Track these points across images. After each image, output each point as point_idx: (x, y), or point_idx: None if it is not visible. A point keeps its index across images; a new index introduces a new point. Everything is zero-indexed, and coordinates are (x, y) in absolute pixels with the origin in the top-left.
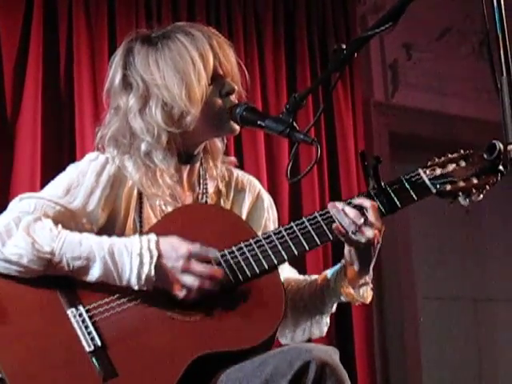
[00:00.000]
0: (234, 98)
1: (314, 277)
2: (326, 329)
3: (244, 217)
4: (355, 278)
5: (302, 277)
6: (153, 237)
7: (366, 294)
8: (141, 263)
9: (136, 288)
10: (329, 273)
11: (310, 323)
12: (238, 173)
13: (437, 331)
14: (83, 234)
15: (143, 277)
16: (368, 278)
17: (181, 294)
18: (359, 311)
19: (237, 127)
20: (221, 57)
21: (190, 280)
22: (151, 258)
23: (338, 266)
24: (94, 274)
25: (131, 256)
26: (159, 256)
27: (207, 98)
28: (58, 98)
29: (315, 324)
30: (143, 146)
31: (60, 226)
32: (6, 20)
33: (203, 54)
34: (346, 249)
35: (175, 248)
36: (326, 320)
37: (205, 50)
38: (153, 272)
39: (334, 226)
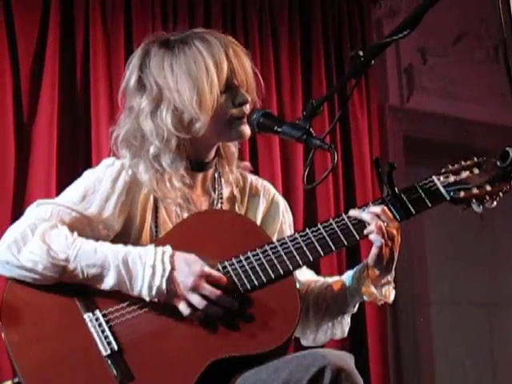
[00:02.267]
0: (247, 108)
1: (335, 278)
2: (347, 329)
3: (258, 222)
4: (378, 277)
5: (322, 278)
6: (168, 249)
7: (388, 292)
8: (153, 275)
9: (147, 299)
10: (351, 274)
11: (332, 324)
12: (251, 178)
13: (450, 336)
14: (98, 242)
15: (154, 289)
16: (390, 278)
17: (185, 312)
18: (373, 316)
19: (247, 132)
20: (236, 66)
21: (196, 300)
22: (164, 270)
23: (359, 267)
24: (108, 283)
25: (144, 267)
26: (172, 269)
27: (218, 107)
28: (75, 101)
29: (337, 324)
30: (152, 149)
31: (76, 233)
32: (23, 23)
33: (218, 62)
34: (372, 254)
35: (189, 264)
36: (348, 320)
37: (220, 58)
38: (164, 285)
39: (366, 230)
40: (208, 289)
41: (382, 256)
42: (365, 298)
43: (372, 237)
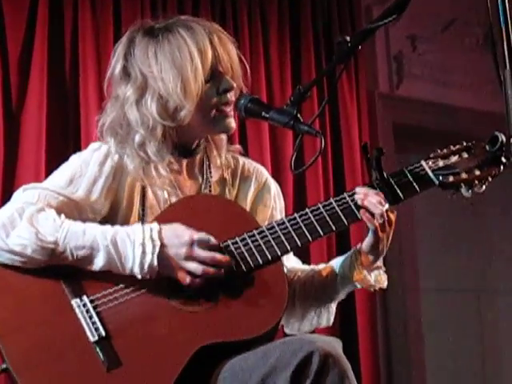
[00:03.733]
0: (231, 95)
1: (322, 266)
2: (333, 318)
3: (249, 203)
4: (371, 263)
5: (307, 266)
6: (155, 226)
7: (380, 277)
8: (143, 253)
9: (139, 277)
10: (340, 261)
11: (320, 311)
12: (244, 161)
13: (440, 323)
14: (86, 224)
15: (146, 266)
16: (379, 262)
17: (186, 280)
18: (363, 303)
19: (232, 125)
20: (221, 53)
21: (193, 266)
22: (154, 247)
23: (350, 253)
24: (98, 264)
25: (134, 245)
26: (162, 245)
27: (203, 94)
28: (63, 89)
29: (324, 312)
30: (137, 138)
31: (63, 215)
32: (11, 10)
33: (202, 49)
34: (368, 240)
35: (178, 235)
36: (334, 308)
37: (204, 45)
38: (155, 262)
39: (361, 211)
40: (202, 254)
41: (379, 242)
42: (357, 284)
43: (370, 224)
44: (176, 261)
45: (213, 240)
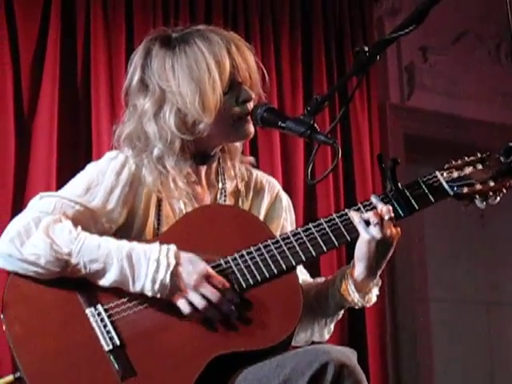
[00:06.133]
0: (250, 105)
1: (323, 278)
2: (327, 336)
3: (262, 217)
4: (363, 281)
5: (312, 280)
6: (173, 246)
7: (368, 297)
8: (157, 268)
9: (149, 294)
10: (337, 275)
11: (314, 326)
12: (257, 173)
13: (449, 334)
14: (102, 238)
15: (157, 282)
16: (375, 282)
17: (185, 310)
18: (372, 314)
19: (251, 130)
20: (239, 63)
21: (197, 300)
22: (168, 264)
23: (344, 268)
24: (110, 278)
25: (148, 262)
26: (177, 264)
27: (222, 106)
28: (75, 97)
29: (318, 328)
30: (155, 151)
31: (79, 227)
32: (23, 18)
33: (220, 61)
34: (362, 244)
35: (193, 262)
36: (330, 326)
37: (222, 56)
38: (168, 279)
39: (357, 224)
40: (210, 289)
41: (370, 252)
42: (344, 302)
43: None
44: (183, 286)
45: (225, 283)
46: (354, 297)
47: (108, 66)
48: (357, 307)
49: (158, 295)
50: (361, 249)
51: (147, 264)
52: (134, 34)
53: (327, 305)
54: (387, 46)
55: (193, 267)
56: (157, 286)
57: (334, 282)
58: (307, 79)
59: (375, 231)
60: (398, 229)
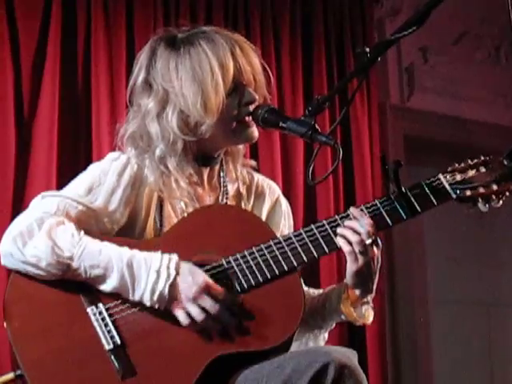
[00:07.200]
0: (253, 107)
1: (318, 291)
2: (322, 343)
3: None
4: (358, 298)
5: (306, 289)
6: (175, 256)
7: (367, 313)
8: (157, 279)
9: (148, 304)
10: (332, 291)
11: (308, 336)
12: (258, 177)
13: (449, 335)
14: (104, 243)
15: (156, 293)
16: (369, 298)
17: (184, 322)
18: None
19: (255, 135)
20: (243, 64)
21: (196, 312)
22: (168, 276)
23: (340, 285)
24: (110, 285)
25: (149, 272)
26: (176, 275)
27: (224, 108)
28: (75, 98)
29: (313, 338)
30: (158, 151)
31: (82, 232)
32: (24, 20)
33: (224, 63)
34: (349, 270)
35: (193, 273)
36: (325, 335)
37: (226, 58)
38: (167, 290)
39: (338, 237)
40: (209, 302)
41: (360, 272)
42: (343, 317)
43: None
44: (182, 298)
45: (225, 294)
46: (355, 316)
47: (108, 65)
48: (358, 324)
49: (157, 306)
50: (352, 276)
51: (147, 274)
52: (135, 34)
53: (324, 321)
54: (388, 47)
55: (192, 278)
56: (155, 297)
57: (331, 304)
58: (307, 79)
59: (361, 259)
60: (379, 242)
